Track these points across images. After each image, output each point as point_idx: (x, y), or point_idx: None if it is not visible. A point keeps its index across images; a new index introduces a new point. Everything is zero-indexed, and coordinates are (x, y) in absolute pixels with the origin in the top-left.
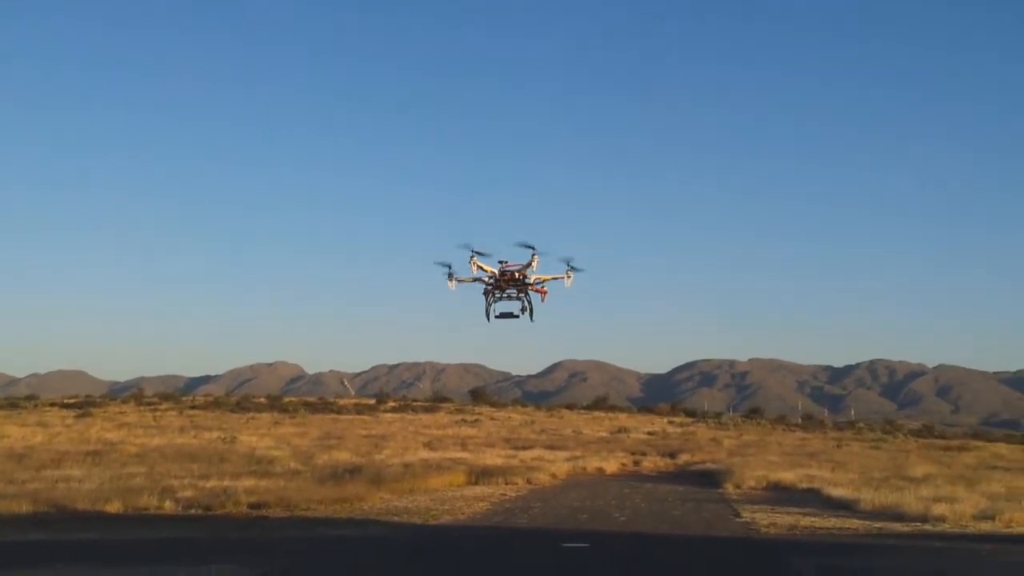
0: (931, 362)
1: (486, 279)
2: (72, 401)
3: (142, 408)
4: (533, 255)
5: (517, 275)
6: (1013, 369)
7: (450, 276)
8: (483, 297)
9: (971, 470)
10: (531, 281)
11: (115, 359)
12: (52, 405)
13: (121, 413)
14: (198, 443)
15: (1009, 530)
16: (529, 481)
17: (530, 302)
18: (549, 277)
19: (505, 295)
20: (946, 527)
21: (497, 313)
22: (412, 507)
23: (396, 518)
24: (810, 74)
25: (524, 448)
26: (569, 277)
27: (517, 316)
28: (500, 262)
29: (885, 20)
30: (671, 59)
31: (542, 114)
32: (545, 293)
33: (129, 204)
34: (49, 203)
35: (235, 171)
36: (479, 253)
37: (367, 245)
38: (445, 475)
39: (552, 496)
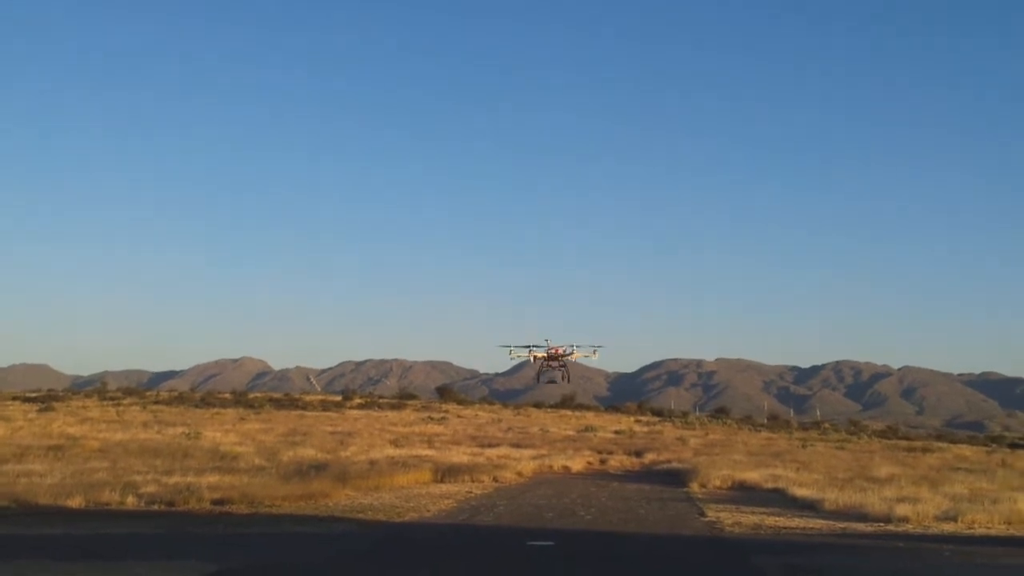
0: (896, 364)
1: (540, 355)
2: (34, 395)
3: (105, 403)
4: (574, 348)
5: (560, 357)
6: (977, 371)
7: (510, 352)
8: (537, 366)
9: (935, 471)
10: (569, 355)
11: (78, 353)
12: (14, 399)
13: (84, 408)
14: (162, 438)
15: (971, 531)
16: (495, 479)
17: (568, 372)
18: (581, 355)
19: (550, 366)
20: (909, 527)
21: (545, 380)
22: (377, 504)
23: (361, 515)
24: (806, 65)
25: (490, 446)
26: (595, 354)
27: (558, 382)
28: (549, 348)
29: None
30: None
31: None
32: (575, 359)
33: (95, 197)
34: (10, 195)
35: (205, 168)
36: (536, 346)
37: (334, 242)
38: (411, 472)
39: (518, 494)
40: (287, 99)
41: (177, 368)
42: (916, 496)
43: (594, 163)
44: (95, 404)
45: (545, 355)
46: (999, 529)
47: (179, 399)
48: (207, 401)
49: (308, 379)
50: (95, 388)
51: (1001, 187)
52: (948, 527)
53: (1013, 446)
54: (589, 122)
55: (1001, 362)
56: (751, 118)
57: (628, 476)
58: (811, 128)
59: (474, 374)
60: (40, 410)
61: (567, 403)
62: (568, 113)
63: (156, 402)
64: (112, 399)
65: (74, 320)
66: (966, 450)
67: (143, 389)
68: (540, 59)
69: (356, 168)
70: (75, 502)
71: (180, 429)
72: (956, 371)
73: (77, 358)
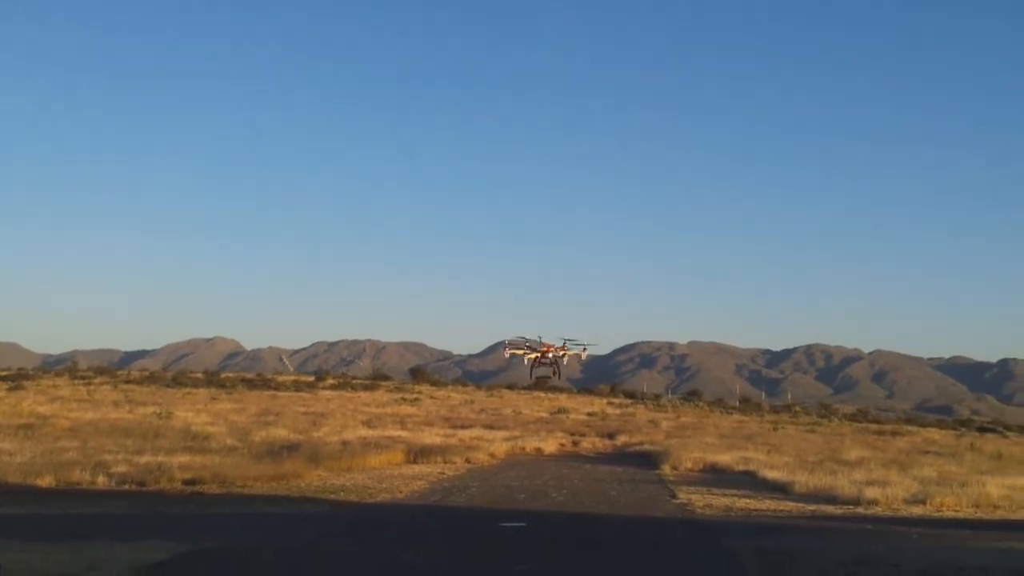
0: (867, 348)
1: (533, 355)
2: (4, 374)
3: (76, 382)
4: (565, 344)
5: (552, 355)
6: (947, 356)
7: (506, 350)
8: (530, 363)
9: (904, 454)
10: (561, 356)
11: (49, 332)
12: None
13: (54, 387)
14: (133, 418)
15: (940, 514)
16: (468, 460)
17: (559, 368)
18: (572, 352)
19: (542, 363)
20: (878, 510)
21: (537, 375)
22: (350, 485)
23: (333, 496)
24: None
25: (463, 427)
26: (584, 352)
27: (550, 378)
28: (542, 344)
29: None
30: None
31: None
32: (566, 358)
33: (67, 176)
34: None
35: (178, 146)
36: (530, 347)
37: (310, 220)
38: (383, 453)
39: (490, 475)
40: (272, 78)
41: (149, 347)
42: (885, 479)
43: (567, 144)
44: (66, 383)
45: (539, 353)
46: (967, 512)
47: (151, 378)
48: (179, 381)
49: (281, 359)
50: (66, 367)
51: (975, 174)
52: (917, 510)
53: (982, 430)
54: (564, 103)
55: (971, 347)
56: (719, 95)
57: (600, 458)
58: (782, 106)
59: (447, 355)
60: (10, 388)
61: (540, 385)
62: (543, 92)
63: (127, 381)
64: (83, 378)
65: (45, 299)
66: (935, 434)
67: (114, 368)
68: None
69: (332, 149)
70: (45, 481)
71: (151, 409)
72: (926, 355)
73: (48, 337)
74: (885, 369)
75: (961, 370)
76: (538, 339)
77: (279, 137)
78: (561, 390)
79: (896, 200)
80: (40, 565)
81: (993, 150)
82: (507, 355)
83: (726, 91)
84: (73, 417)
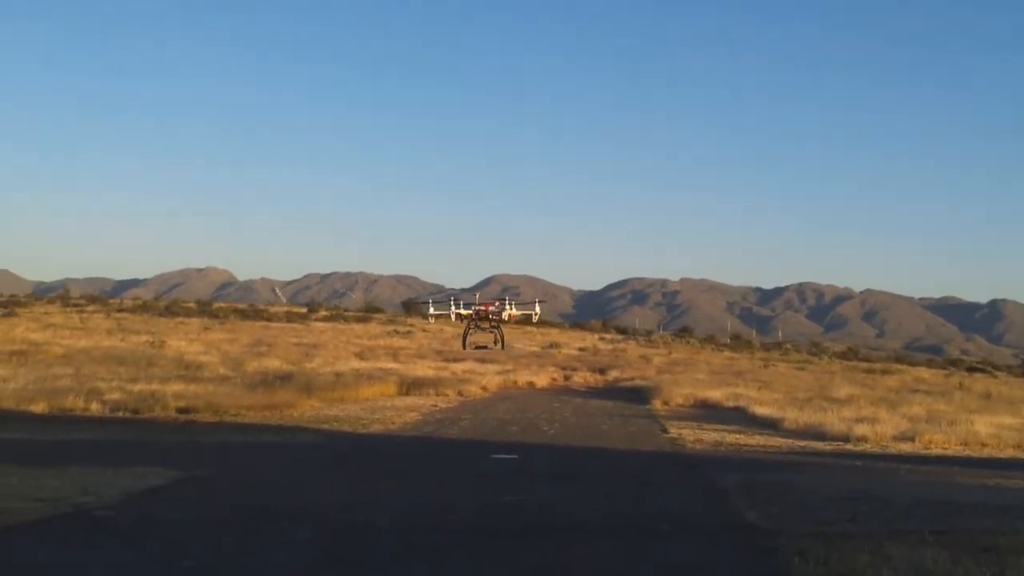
0: (858, 287)
1: (464, 318)
2: None
3: (68, 309)
4: (508, 305)
5: (492, 317)
6: (937, 296)
7: (429, 313)
8: (464, 328)
9: (893, 393)
10: (504, 318)
11: (41, 259)
12: None
13: (47, 314)
14: (126, 346)
15: (928, 451)
16: (460, 393)
17: (501, 335)
18: (519, 313)
19: (480, 329)
20: (867, 447)
21: (474, 346)
22: (342, 415)
23: (326, 426)
24: None
25: (455, 360)
26: (536, 314)
27: (488, 348)
28: (476, 306)
29: None
30: None
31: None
32: (511, 319)
33: (56, 96)
34: None
35: (174, 65)
36: (459, 308)
37: (302, 152)
38: (376, 385)
39: (482, 408)
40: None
41: (141, 276)
42: (875, 417)
43: (560, 73)
44: (58, 310)
45: (472, 314)
46: (955, 450)
47: (143, 307)
48: (171, 310)
49: (273, 290)
50: (58, 294)
51: (970, 113)
52: (906, 447)
53: (971, 369)
54: (554, 29)
55: (962, 287)
56: (714, 23)
57: (591, 393)
58: (787, 38)
59: (440, 289)
60: (2, 315)
61: (532, 319)
62: (534, 25)
63: (120, 310)
64: (76, 306)
65: (37, 225)
66: (924, 372)
67: (106, 297)
68: None
69: (330, 77)
70: (39, 407)
71: (144, 337)
72: (917, 295)
73: (40, 264)
74: (876, 308)
75: (951, 310)
76: (475, 298)
77: (274, 63)
78: (553, 325)
79: (891, 139)
80: (33, 489)
81: (992, 87)
82: (430, 318)
83: (722, 18)
84: (66, 344)
